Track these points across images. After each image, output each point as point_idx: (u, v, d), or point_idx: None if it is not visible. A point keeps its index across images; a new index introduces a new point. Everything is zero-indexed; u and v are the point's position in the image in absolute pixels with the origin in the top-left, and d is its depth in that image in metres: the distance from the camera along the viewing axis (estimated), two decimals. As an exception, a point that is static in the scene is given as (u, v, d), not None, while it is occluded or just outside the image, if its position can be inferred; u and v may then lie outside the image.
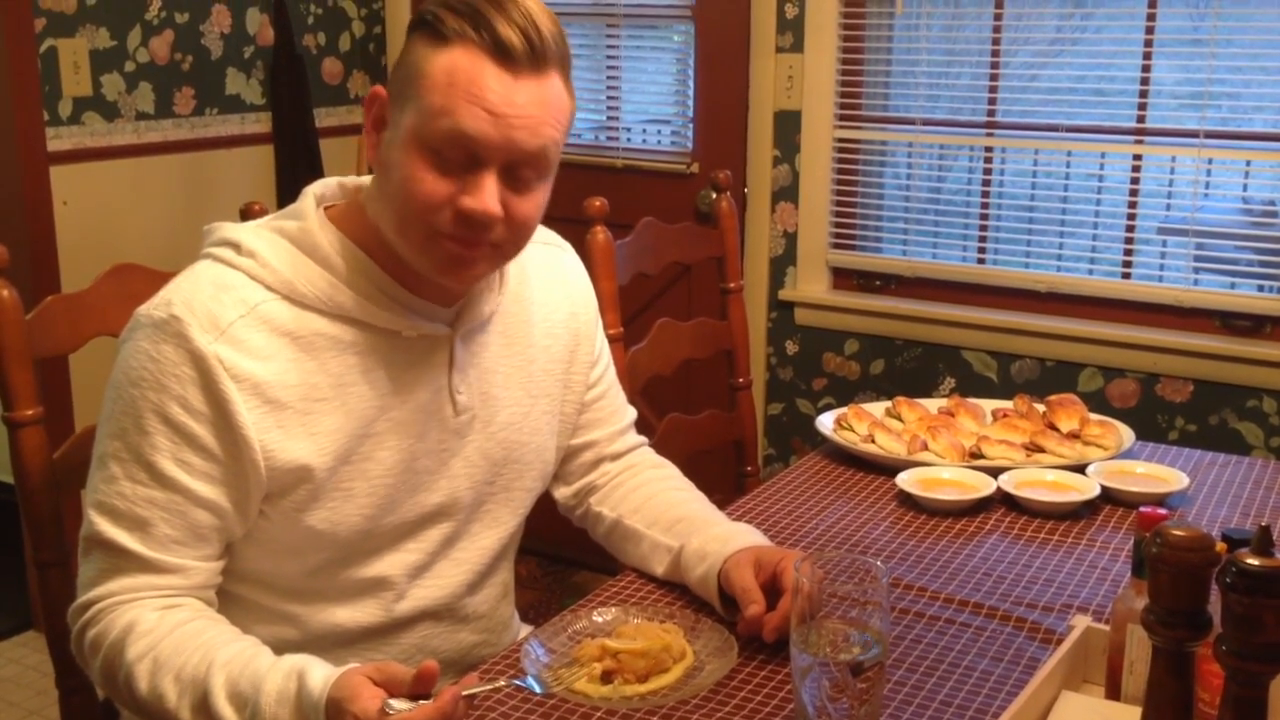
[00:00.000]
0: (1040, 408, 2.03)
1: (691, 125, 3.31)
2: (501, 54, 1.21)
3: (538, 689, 1.22)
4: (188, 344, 1.21)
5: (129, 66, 3.16)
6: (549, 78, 1.24)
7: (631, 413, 1.64)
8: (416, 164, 1.22)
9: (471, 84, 1.20)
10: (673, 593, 1.47)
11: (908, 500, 1.77)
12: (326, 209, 1.33)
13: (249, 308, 1.25)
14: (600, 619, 1.39)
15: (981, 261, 3.02)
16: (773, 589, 1.33)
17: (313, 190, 1.35)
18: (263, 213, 1.44)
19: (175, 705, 1.17)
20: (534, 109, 1.23)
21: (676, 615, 1.38)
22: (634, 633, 1.31)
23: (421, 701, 1.07)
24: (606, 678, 1.26)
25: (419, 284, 1.31)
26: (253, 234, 1.30)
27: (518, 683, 1.23)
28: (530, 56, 1.22)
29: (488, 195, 1.22)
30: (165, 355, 1.22)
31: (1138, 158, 2.80)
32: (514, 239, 1.29)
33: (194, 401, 1.21)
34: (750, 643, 1.33)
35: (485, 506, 1.44)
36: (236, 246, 1.29)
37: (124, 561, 1.22)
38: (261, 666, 1.16)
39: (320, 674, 1.12)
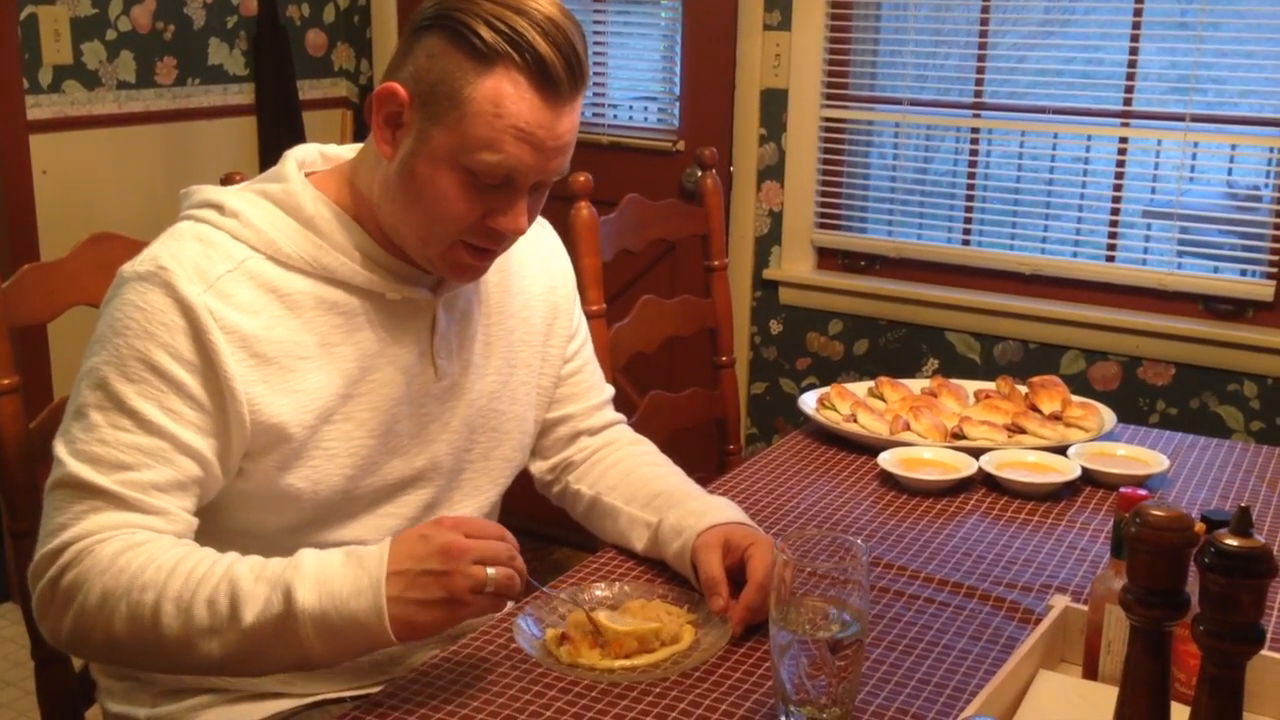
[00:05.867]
0: (1022, 389, 2.03)
1: (678, 103, 3.30)
2: (545, 81, 1.21)
3: (536, 632, 1.30)
4: (176, 293, 1.20)
5: (110, 35, 3.13)
6: (580, 98, 1.25)
7: (609, 389, 1.64)
8: (451, 183, 1.23)
9: (519, 118, 1.20)
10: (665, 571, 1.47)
11: (889, 480, 1.77)
12: (308, 175, 1.33)
13: (236, 263, 1.25)
14: (604, 592, 1.38)
15: (966, 243, 3.02)
16: (741, 572, 1.33)
17: (294, 155, 1.35)
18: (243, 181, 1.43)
19: (189, 602, 1.13)
20: (570, 135, 1.25)
21: (686, 599, 1.37)
22: (639, 610, 1.31)
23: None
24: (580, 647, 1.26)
25: (402, 249, 1.31)
26: (235, 196, 1.30)
27: (520, 619, 1.30)
28: (571, 82, 1.22)
29: (521, 216, 1.27)
30: (153, 304, 1.20)
31: (1124, 141, 2.81)
32: (518, 238, 1.32)
33: (182, 350, 1.20)
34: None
35: (465, 474, 1.44)
36: (219, 208, 1.28)
37: (103, 502, 1.18)
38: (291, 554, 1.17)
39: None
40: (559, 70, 1.20)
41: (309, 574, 1.13)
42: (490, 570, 1.13)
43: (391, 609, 1.12)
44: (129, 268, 1.24)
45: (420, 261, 1.31)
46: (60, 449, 1.21)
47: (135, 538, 1.18)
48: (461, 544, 1.13)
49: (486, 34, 1.19)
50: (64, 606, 1.19)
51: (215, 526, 1.28)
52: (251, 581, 1.14)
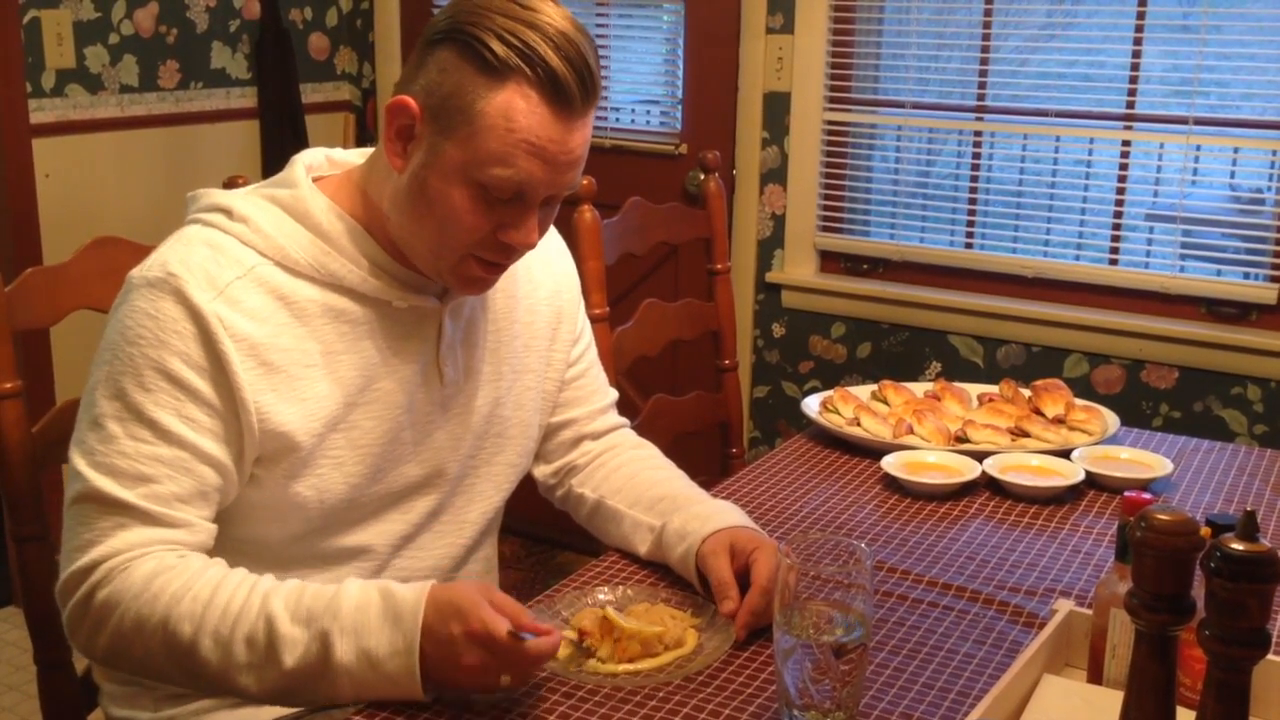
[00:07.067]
0: (1026, 392, 2.03)
1: (680, 106, 3.30)
2: (557, 95, 1.20)
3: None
4: (186, 300, 1.20)
5: (113, 39, 3.13)
6: (592, 111, 1.25)
7: (612, 393, 1.64)
8: (463, 197, 1.23)
9: (531, 133, 1.20)
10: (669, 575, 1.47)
11: (892, 484, 1.77)
12: (315, 180, 1.33)
13: (246, 269, 1.25)
14: (607, 596, 1.38)
15: (969, 246, 3.02)
16: (745, 576, 1.33)
17: (302, 160, 1.34)
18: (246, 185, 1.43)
19: (227, 639, 1.14)
20: (581, 149, 1.25)
21: (689, 603, 1.37)
22: (642, 614, 1.31)
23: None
24: (587, 652, 1.26)
25: (410, 257, 1.31)
26: (244, 200, 1.29)
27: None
28: (583, 96, 1.22)
29: (532, 231, 1.27)
30: (164, 312, 1.20)
31: (1126, 144, 2.80)
32: (529, 252, 1.32)
33: (195, 356, 1.20)
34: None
35: (469, 480, 1.44)
36: (228, 212, 1.28)
37: (128, 518, 1.18)
38: (329, 588, 1.16)
39: (407, 586, 1.15)
40: (571, 84, 1.20)
41: (347, 624, 1.14)
42: (505, 678, 1.14)
43: (424, 674, 1.13)
44: (138, 273, 1.24)
45: (429, 273, 1.31)
46: (79, 461, 1.21)
47: (167, 560, 1.19)
48: (481, 664, 1.12)
49: (498, 48, 1.19)
50: (97, 625, 1.19)
51: (220, 536, 1.28)
52: (288, 622, 1.15)
